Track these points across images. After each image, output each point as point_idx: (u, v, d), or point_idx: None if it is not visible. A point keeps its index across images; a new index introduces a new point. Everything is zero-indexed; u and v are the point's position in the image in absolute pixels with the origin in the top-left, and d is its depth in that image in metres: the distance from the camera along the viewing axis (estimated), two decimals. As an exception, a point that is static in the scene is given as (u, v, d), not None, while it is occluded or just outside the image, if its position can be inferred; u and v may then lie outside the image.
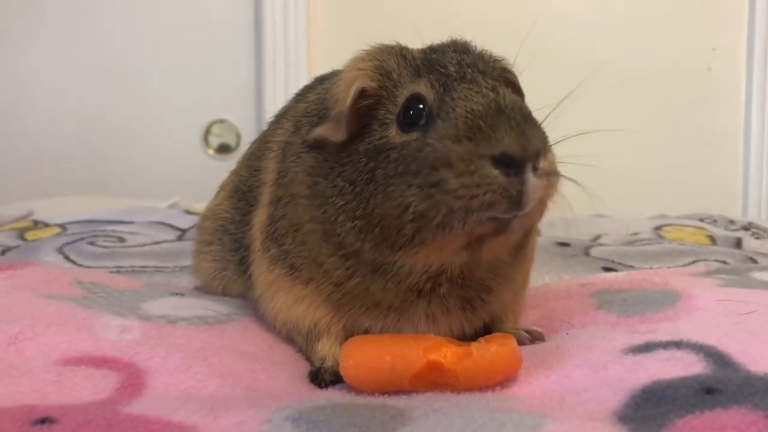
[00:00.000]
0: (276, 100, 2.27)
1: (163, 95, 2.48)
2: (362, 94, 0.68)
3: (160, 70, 2.48)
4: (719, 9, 2.63)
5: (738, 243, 1.54)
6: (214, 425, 0.55)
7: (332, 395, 0.67)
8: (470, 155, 0.60)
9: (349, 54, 0.72)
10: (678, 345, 0.66)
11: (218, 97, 2.51)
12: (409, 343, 0.67)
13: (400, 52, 0.71)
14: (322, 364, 0.74)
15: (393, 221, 0.64)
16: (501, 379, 0.65)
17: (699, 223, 1.77)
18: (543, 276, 1.17)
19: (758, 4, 2.59)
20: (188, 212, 1.74)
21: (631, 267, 1.28)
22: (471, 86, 0.65)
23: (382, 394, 0.66)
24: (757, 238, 1.62)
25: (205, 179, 1.25)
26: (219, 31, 2.50)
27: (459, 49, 0.71)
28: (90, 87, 2.45)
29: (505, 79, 0.71)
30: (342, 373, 0.68)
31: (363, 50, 0.72)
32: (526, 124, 0.62)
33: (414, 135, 0.65)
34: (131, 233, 1.52)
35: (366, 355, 0.67)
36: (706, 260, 1.32)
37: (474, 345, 0.66)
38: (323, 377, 0.71)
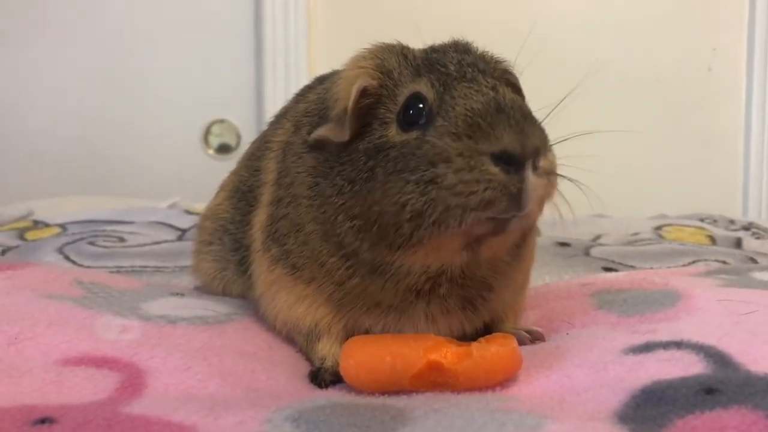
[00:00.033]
0: (276, 100, 2.27)
1: (163, 95, 2.48)
2: (363, 92, 0.68)
3: (160, 70, 2.49)
4: (719, 9, 2.63)
5: (738, 243, 1.54)
6: (214, 425, 0.55)
7: (332, 395, 0.67)
8: (470, 152, 0.60)
9: (349, 54, 0.72)
10: (678, 345, 0.66)
11: (218, 97, 2.51)
12: (409, 343, 0.67)
13: (401, 51, 0.71)
14: (323, 364, 0.74)
15: (390, 219, 0.64)
16: (501, 379, 0.65)
17: (699, 223, 1.77)
18: (543, 276, 1.17)
19: (758, 4, 2.59)
20: (188, 212, 1.74)
21: (632, 267, 1.28)
22: (471, 85, 0.65)
23: (382, 394, 0.66)
24: (758, 238, 1.62)
25: (205, 179, 1.25)
26: (219, 31, 2.50)
27: (460, 49, 0.71)
28: (90, 87, 2.45)
29: (506, 80, 0.71)
30: (342, 373, 0.68)
31: (364, 49, 0.72)
32: (525, 122, 0.62)
33: (414, 134, 0.65)
34: (131, 233, 1.52)
35: (366, 355, 0.67)
36: (706, 260, 1.32)
37: (474, 345, 0.66)
38: (323, 377, 0.71)
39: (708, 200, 2.42)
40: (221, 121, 2.52)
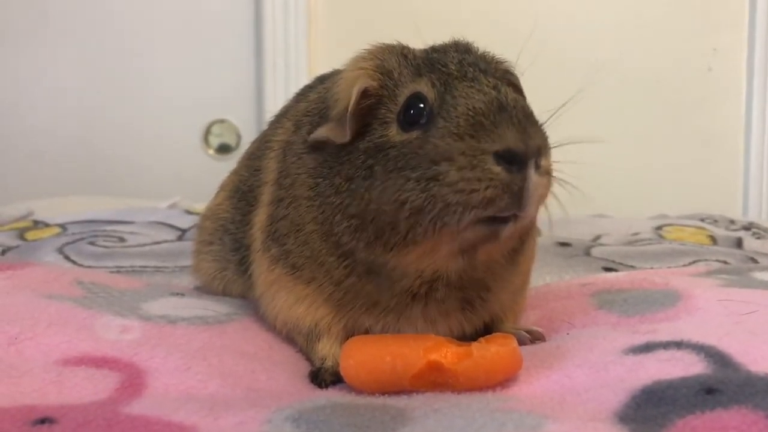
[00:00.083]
0: (276, 100, 2.26)
1: (163, 95, 2.48)
2: (363, 93, 0.68)
3: (160, 70, 2.48)
4: (720, 9, 2.63)
5: (739, 243, 1.54)
6: (214, 425, 0.55)
7: (332, 395, 0.67)
8: (472, 150, 0.60)
9: (350, 54, 0.72)
10: (679, 345, 0.66)
11: (218, 97, 2.51)
12: (410, 343, 0.67)
13: (401, 52, 0.71)
14: (323, 364, 0.74)
15: (388, 217, 0.64)
16: (501, 379, 0.65)
17: (700, 223, 1.77)
18: (543, 276, 1.17)
19: (759, 5, 2.59)
20: (188, 212, 1.74)
21: (632, 267, 1.28)
22: (472, 84, 0.65)
23: (383, 394, 0.65)
24: (758, 238, 1.62)
25: (206, 179, 1.25)
26: (219, 31, 2.50)
27: (461, 49, 0.71)
28: (90, 87, 2.45)
29: (507, 80, 0.71)
30: (342, 373, 0.68)
31: (364, 49, 0.72)
32: (528, 121, 0.62)
33: (414, 134, 0.65)
34: (131, 233, 1.52)
35: (366, 356, 0.67)
36: (706, 260, 1.32)
37: (474, 345, 0.66)
38: (323, 377, 0.71)
39: (708, 200, 2.42)
40: (221, 121, 2.52)
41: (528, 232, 0.74)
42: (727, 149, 2.67)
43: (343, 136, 0.68)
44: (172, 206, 1.96)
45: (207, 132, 2.52)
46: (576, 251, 1.37)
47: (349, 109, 0.67)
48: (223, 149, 2.52)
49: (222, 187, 1.02)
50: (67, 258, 1.32)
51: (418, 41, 0.74)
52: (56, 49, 2.43)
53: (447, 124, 0.62)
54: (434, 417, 0.56)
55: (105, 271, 1.19)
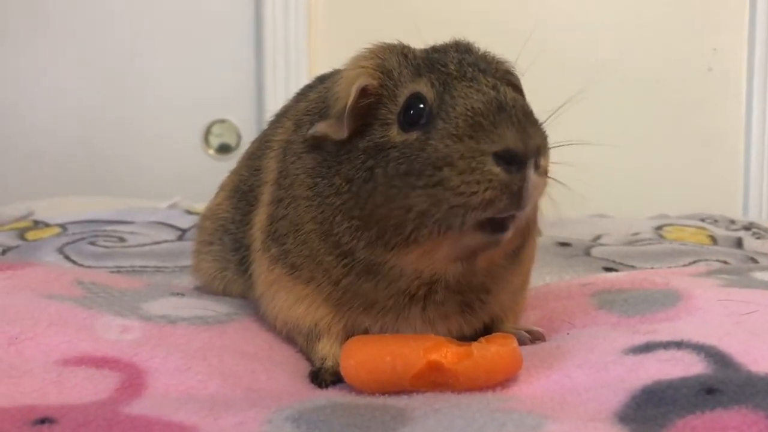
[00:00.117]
0: (276, 100, 2.26)
1: (163, 95, 2.48)
2: (363, 92, 0.68)
3: (160, 70, 2.48)
4: (720, 9, 2.63)
5: (739, 243, 1.54)
6: (214, 426, 0.55)
7: (332, 395, 0.67)
8: (472, 153, 0.60)
9: (350, 54, 0.72)
10: (679, 345, 0.66)
11: (219, 97, 2.51)
12: (410, 343, 0.67)
13: (402, 51, 0.71)
14: (323, 364, 0.74)
15: (393, 221, 0.64)
16: (501, 379, 0.65)
17: (700, 223, 1.77)
18: (544, 276, 1.17)
19: (759, 5, 2.59)
20: (189, 212, 1.74)
21: (632, 267, 1.28)
22: (471, 84, 0.65)
23: (383, 394, 0.65)
24: (758, 238, 1.62)
25: (206, 179, 1.25)
26: (219, 31, 2.50)
27: (461, 49, 0.71)
28: (90, 87, 2.45)
29: (507, 81, 0.71)
30: (342, 373, 0.68)
31: (365, 48, 0.72)
32: (527, 121, 0.62)
33: (414, 134, 0.65)
34: (131, 233, 1.52)
35: (366, 355, 0.67)
36: (707, 260, 1.32)
37: (474, 345, 0.66)
38: (323, 377, 0.71)
39: (708, 200, 2.42)
40: (222, 121, 2.52)
41: (529, 232, 0.74)
42: (727, 149, 2.67)
43: (341, 133, 0.67)
44: (173, 206, 1.96)
45: (207, 132, 2.52)
46: (576, 251, 1.37)
47: (348, 106, 0.67)
48: (224, 149, 2.52)
49: (222, 187, 1.02)
50: (67, 258, 1.32)
51: (418, 41, 0.74)
52: (56, 49, 2.43)
53: (446, 125, 0.62)
54: (434, 417, 0.56)
55: (105, 271, 1.19)
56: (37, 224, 1.62)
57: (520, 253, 0.75)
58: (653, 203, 2.32)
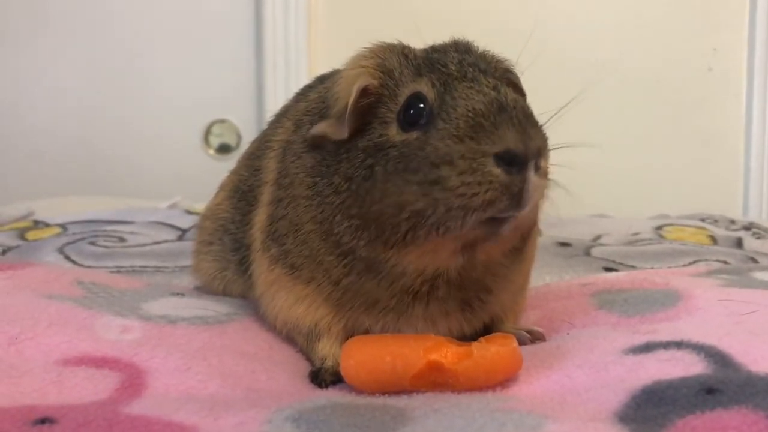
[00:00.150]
0: (276, 100, 2.26)
1: (163, 95, 2.48)
2: (363, 92, 0.68)
3: (160, 70, 2.48)
4: (720, 9, 2.63)
5: (739, 243, 1.54)
6: (214, 426, 0.55)
7: (333, 395, 0.67)
8: (472, 153, 0.60)
9: (350, 54, 0.72)
10: (679, 345, 0.66)
11: (219, 97, 2.51)
12: (410, 343, 0.67)
13: (402, 51, 0.71)
14: (323, 364, 0.74)
15: (388, 219, 0.64)
16: (501, 379, 0.65)
17: (700, 223, 1.77)
18: (544, 276, 1.17)
19: (759, 4, 2.59)
20: (189, 212, 1.74)
21: (632, 267, 1.28)
22: (472, 85, 0.65)
23: (383, 394, 0.65)
24: (758, 238, 1.62)
25: (206, 179, 1.25)
26: (219, 31, 2.50)
27: (461, 49, 0.71)
28: (90, 87, 2.45)
29: (507, 80, 0.71)
30: (342, 373, 0.68)
31: (365, 48, 0.72)
32: (527, 122, 0.62)
33: (414, 134, 0.65)
34: (132, 233, 1.52)
35: (366, 355, 0.67)
36: (707, 260, 1.32)
37: (474, 345, 0.66)
38: (324, 377, 0.71)
39: (708, 200, 2.42)
40: (222, 121, 2.52)
41: (530, 232, 0.74)
42: (727, 149, 2.67)
43: (342, 132, 0.67)
44: (173, 206, 1.96)
45: (207, 132, 2.52)
46: (576, 251, 1.37)
47: (349, 106, 0.67)
48: (224, 149, 2.52)
49: (222, 187, 1.02)
50: (67, 258, 1.32)
51: (418, 41, 0.74)
52: (56, 49, 2.43)
53: (447, 125, 0.62)
54: (434, 417, 0.56)
55: (105, 271, 1.19)
56: (37, 224, 1.62)
57: (520, 252, 0.75)
58: (653, 203, 2.32)
